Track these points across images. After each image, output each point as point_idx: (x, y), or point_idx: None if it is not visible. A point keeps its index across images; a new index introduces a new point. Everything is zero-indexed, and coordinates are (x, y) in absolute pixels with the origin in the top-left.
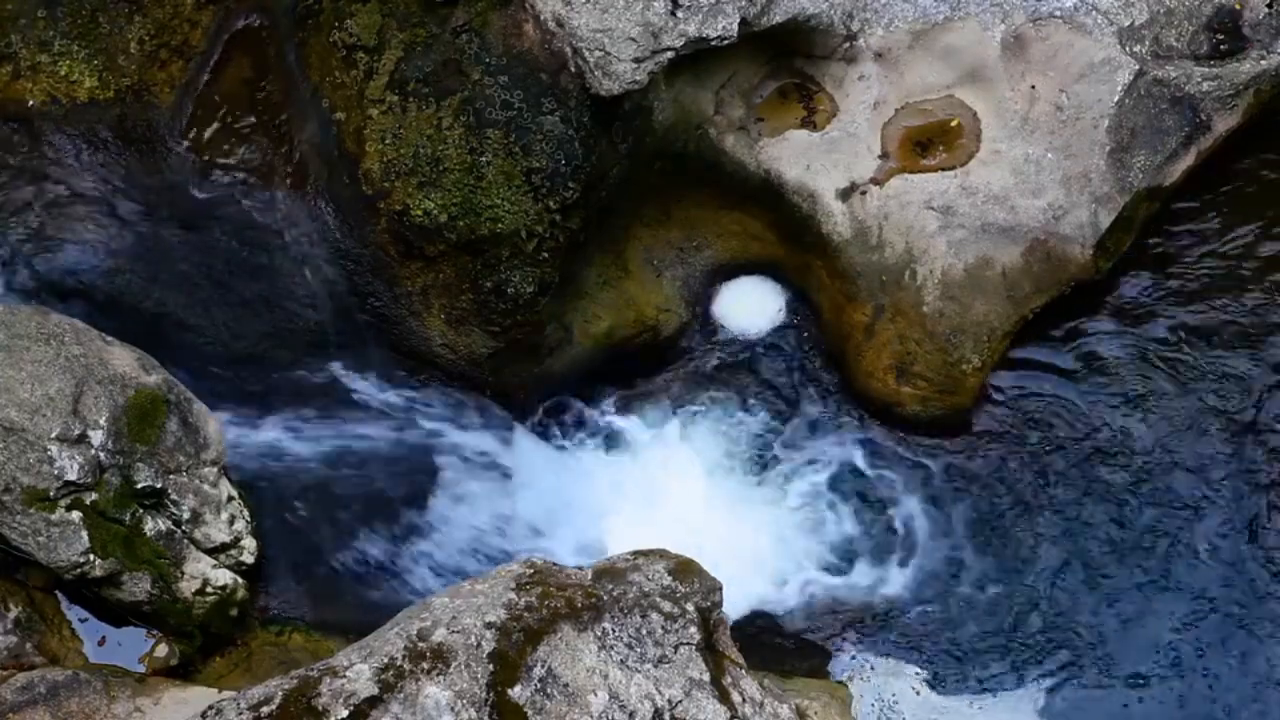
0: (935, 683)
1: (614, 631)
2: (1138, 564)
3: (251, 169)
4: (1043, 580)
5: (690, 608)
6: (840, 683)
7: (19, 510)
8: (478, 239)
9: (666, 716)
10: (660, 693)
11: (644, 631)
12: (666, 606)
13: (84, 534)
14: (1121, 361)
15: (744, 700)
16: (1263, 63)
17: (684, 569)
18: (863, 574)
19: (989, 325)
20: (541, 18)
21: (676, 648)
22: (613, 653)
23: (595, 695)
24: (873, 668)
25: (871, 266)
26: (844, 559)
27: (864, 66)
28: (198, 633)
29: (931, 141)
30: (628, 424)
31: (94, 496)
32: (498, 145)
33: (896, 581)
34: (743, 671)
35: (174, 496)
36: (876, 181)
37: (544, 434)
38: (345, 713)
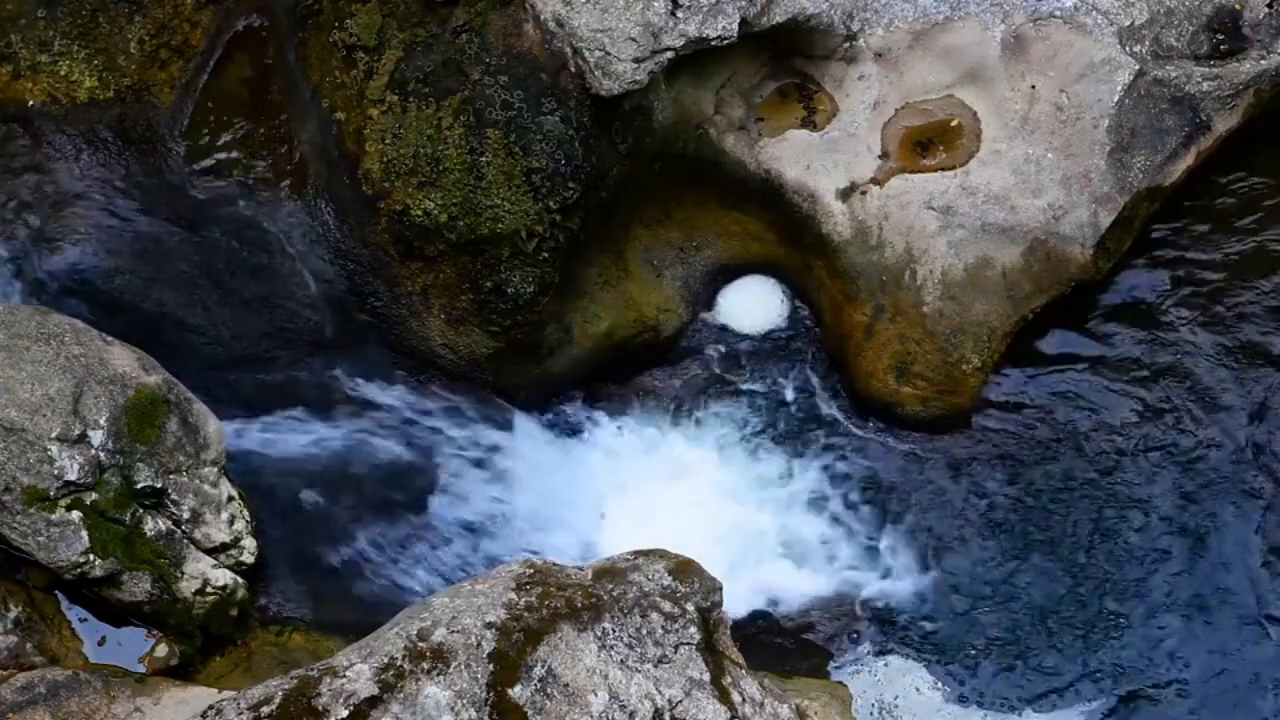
0: (935, 682)
1: (614, 631)
2: (1139, 565)
3: (251, 169)
4: (1043, 580)
5: (690, 608)
6: (840, 683)
7: (19, 510)
8: (478, 239)
9: (666, 716)
10: (660, 693)
11: (644, 631)
12: (666, 606)
13: (84, 534)
14: (1122, 361)
15: (744, 700)
16: (1263, 63)
17: (684, 569)
18: (862, 574)
19: (989, 325)
20: (541, 18)
21: (676, 648)
22: (613, 653)
23: (595, 695)
24: (873, 668)
25: (871, 266)
26: (844, 559)
27: (864, 66)
28: (198, 633)
29: (931, 141)
30: (628, 424)
31: (94, 496)
32: (498, 145)
33: (896, 581)
34: (743, 671)
35: (174, 496)
36: (876, 181)
37: (544, 433)
38: (345, 713)
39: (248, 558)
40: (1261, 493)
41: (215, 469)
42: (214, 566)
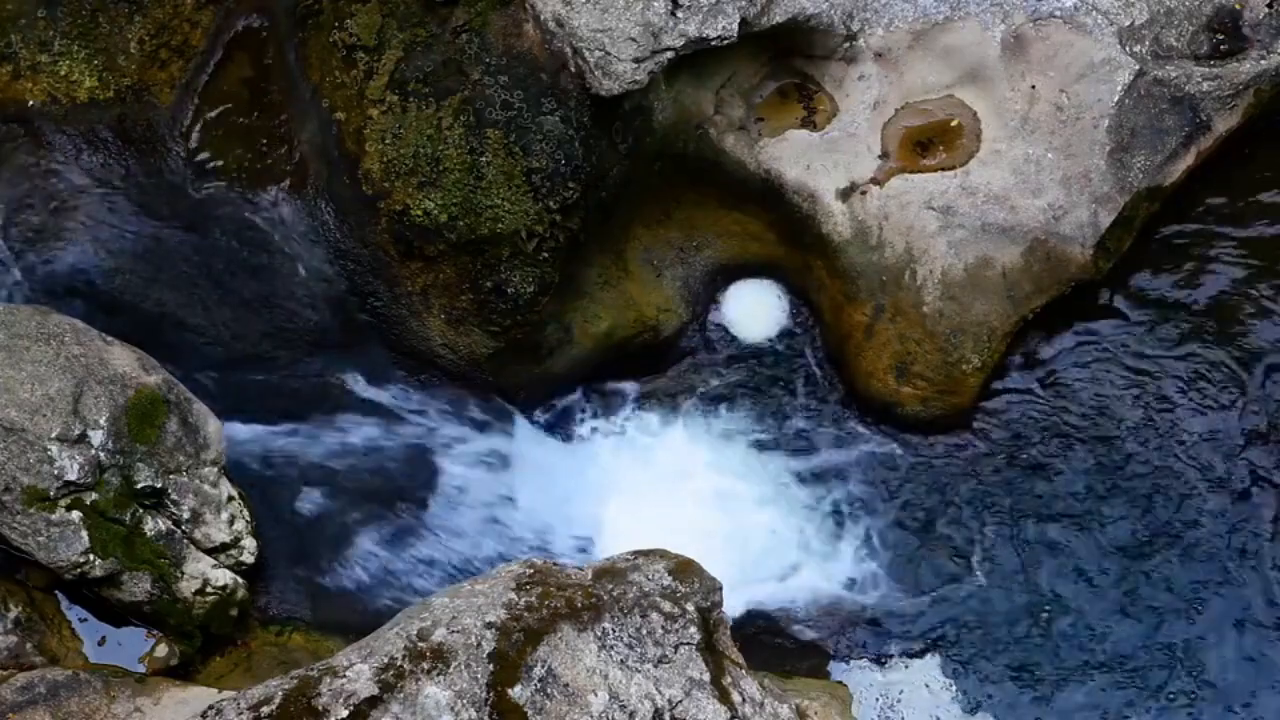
0: (935, 683)
1: (614, 631)
2: (1140, 564)
3: (251, 169)
4: (1043, 580)
5: (690, 608)
6: (840, 683)
7: (19, 510)
8: (478, 239)
9: (666, 716)
10: (660, 693)
11: (644, 631)
12: (666, 606)
13: (84, 534)
14: (1123, 361)
15: (744, 700)
16: (1263, 63)
17: (684, 569)
18: (862, 573)
19: (989, 325)
20: (541, 18)
21: (676, 648)
22: (613, 653)
23: (595, 695)
24: (873, 668)
25: (871, 266)
26: (844, 558)
27: (864, 66)
28: (198, 633)
29: (931, 141)
30: (628, 424)
31: (94, 496)
32: (498, 145)
33: (896, 581)
34: (743, 671)
35: (174, 496)
36: (876, 181)
37: (544, 433)
38: (345, 713)
39: (248, 558)
40: (1263, 492)
41: (215, 469)
42: (214, 566)
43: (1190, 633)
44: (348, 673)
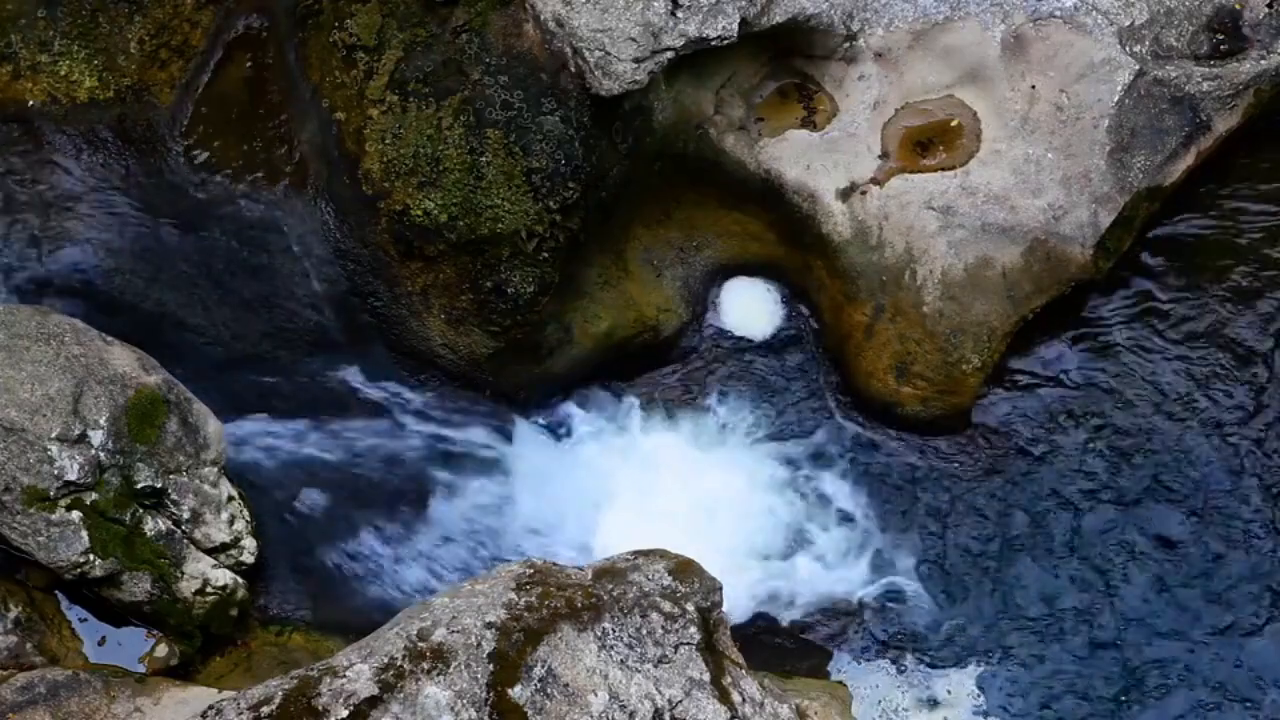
0: (935, 683)
1: (614, 631)
2: (1140, 565)
3: (251, 169)
4: (1044, 581)
5: (690, 608)
6: (840, 683)
7: (19, 510)
8: (478, 239)
9: (666, 716)
10: (660, 693)
11: (644, 631)
12: (666, 606)
13: (84, 534)
14: (1123, 361)
15: (744, 700)
16: (1263, 63)
17: (684, 569)
18: (863, 574)
19: (989, 325)
20: (541, 18)
21: (676, 648)
22: (613, 653)
23: (595, 695)
24: (872, 668)
25: (871, 266)
26: (844, 558)
27: (864, 66)
28: (198, 633)
29: (931, 141)
30: (628, 424)
31: (94, 496)
32: (498, 145)
33: (896, 581)
34: (743, 671)
35: (174, 496)
36: (876, 181)
37: (544, 433)
38: (345, 713)
39: (248, 558)
40: (1264, 490)
41: (215, 469)
42: (214, 566)
43: (1195, 634)
44: (348, 673)
